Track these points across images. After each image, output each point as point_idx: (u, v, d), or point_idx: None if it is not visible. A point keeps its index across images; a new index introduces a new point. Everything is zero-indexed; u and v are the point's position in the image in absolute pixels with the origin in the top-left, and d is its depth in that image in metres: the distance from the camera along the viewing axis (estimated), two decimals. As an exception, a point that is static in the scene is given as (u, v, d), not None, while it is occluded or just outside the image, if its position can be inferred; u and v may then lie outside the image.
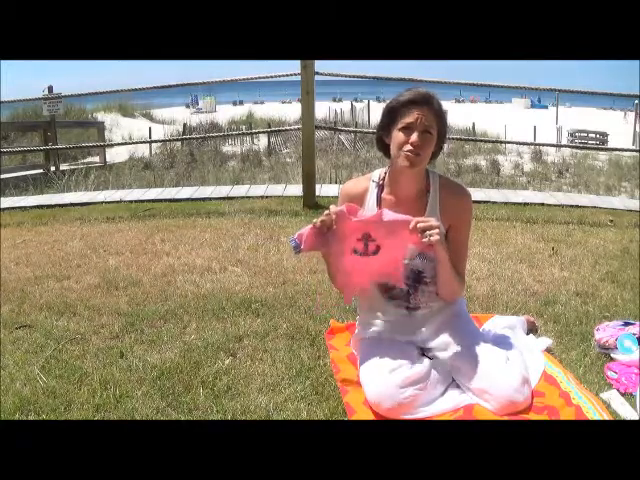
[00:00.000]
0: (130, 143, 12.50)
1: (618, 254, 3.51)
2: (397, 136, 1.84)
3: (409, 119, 1.81)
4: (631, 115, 23.82)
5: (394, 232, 1.82)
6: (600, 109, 35.08)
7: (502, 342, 2.06)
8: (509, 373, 1.84)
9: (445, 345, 1.96)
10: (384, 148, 1.95)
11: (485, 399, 1.83)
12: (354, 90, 46.18)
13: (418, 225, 1.75)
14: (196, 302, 2.76)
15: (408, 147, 1.81)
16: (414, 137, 1.80)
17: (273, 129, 11.55)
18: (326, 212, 1.81)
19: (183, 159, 12.01)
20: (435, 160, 1.99)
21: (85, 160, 12.68)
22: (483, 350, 1.91)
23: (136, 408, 1.88)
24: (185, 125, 16.71)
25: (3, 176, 8.72)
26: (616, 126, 22.48)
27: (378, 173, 2.01)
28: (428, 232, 1.74)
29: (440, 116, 1.86)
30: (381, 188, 1.97)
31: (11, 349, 2.34)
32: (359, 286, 1.97)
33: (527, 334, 2.34)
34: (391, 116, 1.87)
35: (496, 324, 2.29)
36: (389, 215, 1.83)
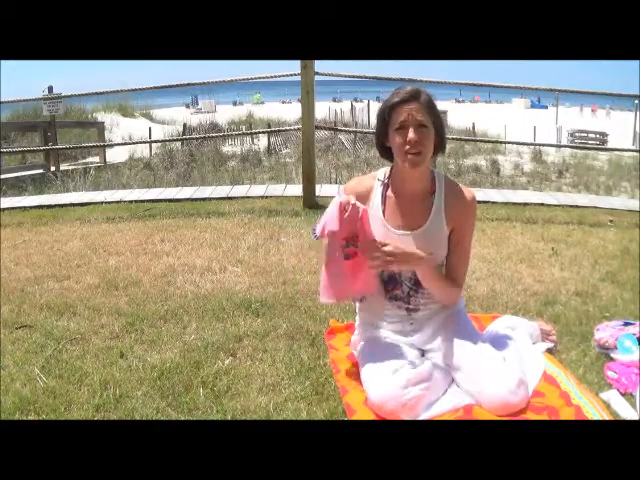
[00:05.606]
0: (130, 143, 12.49)
1: (618, 254, 3.51)
2: (394, 138, 1.85)
3: (401, 117, 1.81)
4: (630, 114, 23.84)
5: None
6: (599, 109, 35.08)
7: (500, 343, 2.05)
8: (504, 374, 1.83)
9: (443, 346, 1.97)
10: (386, 152, 1.95)
11: (480, 400, 1.83)
12: (354, 90, 46.14)
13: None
14: (196, 302, 2.76)
15: (407, 147, 1.81)
16: (410, 134, 1.80)
17: (273, 129, 11.54)
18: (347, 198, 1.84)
19: (183, 159, 11.98)
20: (442, 154, 1.98)
21: (85, 160, 12.70)
22: (479, 351, 1.91)
23: (136, 408, 1.88)
24: (185, 125, 16.68)
25: (3, 176, 8.72)
26: (614, 126, 22.48)
27: (383, 172, 2.00)
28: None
29: (431, 109, 1.85)
30: (386, 186, 1.97)
31: (11, 349, 2.34)
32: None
33: (534, 343, 2.25)
34: (385, 120, 1.88)
35: (500, 324, 2.28)
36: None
